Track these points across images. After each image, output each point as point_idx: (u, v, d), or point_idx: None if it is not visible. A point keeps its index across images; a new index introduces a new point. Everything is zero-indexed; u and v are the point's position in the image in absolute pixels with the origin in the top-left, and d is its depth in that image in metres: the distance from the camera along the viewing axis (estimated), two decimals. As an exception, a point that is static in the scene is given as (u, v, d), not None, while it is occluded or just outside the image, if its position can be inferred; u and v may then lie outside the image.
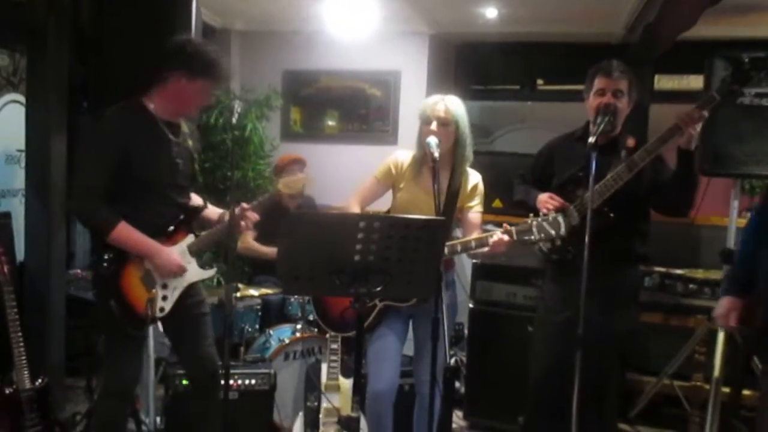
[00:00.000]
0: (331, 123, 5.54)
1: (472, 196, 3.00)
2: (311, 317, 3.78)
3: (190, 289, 2.83)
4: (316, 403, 3.39)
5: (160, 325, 2.74)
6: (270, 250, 4.14)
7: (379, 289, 2.13)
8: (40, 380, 3.00)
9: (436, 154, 2.73)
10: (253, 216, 2.83)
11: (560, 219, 2.69)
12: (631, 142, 2.90)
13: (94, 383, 3.89)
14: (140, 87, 2.81)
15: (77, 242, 4.98)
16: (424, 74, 5.24)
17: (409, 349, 3.13)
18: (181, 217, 2.82)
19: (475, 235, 2.93)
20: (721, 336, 3.18)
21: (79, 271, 4.37)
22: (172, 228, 2.78)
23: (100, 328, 2.86)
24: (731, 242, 3.58)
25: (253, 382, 3.39)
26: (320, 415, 3.34)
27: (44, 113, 3.61)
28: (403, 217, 2.50)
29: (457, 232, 3.17)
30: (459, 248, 2.83)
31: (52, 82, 3.60)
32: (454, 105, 2.91)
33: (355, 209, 3.04)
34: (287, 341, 3.72)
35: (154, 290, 2.71)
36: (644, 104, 4.75)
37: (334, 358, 3.35)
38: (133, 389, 2.97)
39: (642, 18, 4.40)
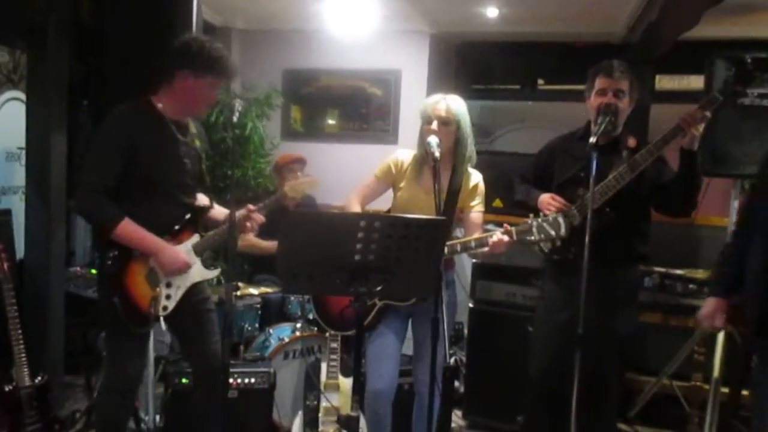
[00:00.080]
0: (331, 122, 5.54)
1: (472, 195, 3.00)
2: (311, 316, 3.78)
3: (195, 288, 2.84)
4: (315, 402, 3.39)
5: (162, 323, 2.73)
6: (270, 245, 4.14)
7: (379, 288, 2.13)
8: (39, 377, 3.00)
9: (437, 154, 2.73)
10: (259, 218, 2.85)
11: (560, 220, 2.68)
12: (632, 142, 2.90)
13: (94, 381, 3.89)
14: (140, 85, 2.82)
15: (77, 240, 4.98)
16: (424, 73, 5.23)
17: (408, 349, 3.13)
18: (188, 216, 2.82)
19: (476, 234, 2.93)
20: (720, 336, 3.18)
21: (78, 268, 4.37)
22: (177, 227, 2.79)
23: (104, 325, 2.86)
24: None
25: (252, 380, 3.39)
26: (319, 414, 3.35)
27: (44, 111, 3.62)
28: (403, 216, 2.50)
29: (458, 232, 3.17)
30: (459, 248, 2.83)
31: (52, 79, 3.60)
32: (455, 104, 2.91)
33: (356, 208, 3.04)
34: (287, 340, 3.72)
35: (158, 288, 2.72)
36: (645, 104, 4.74)
37: (333, 357, 3.35)
38: (136, 387, 2.99)
39: (643, 18, 4.39)
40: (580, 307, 2.51)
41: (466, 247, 2.83)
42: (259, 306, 4.02)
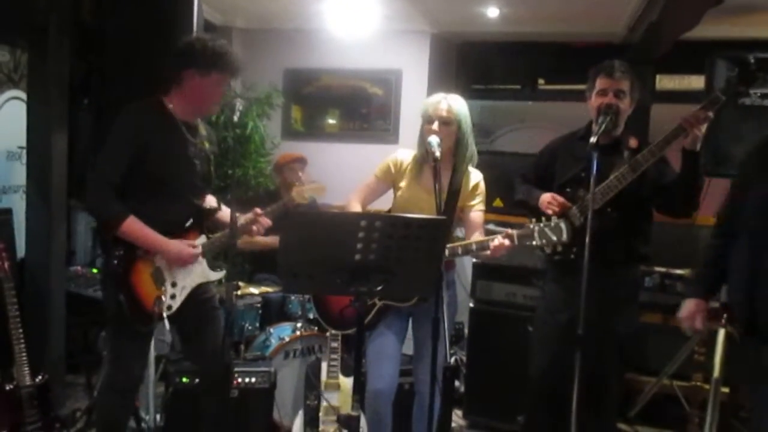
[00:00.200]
0: (331, 121, 5.54)
1: (473, 195, 3.00)
2: (311, 315, 3.78)
3: (199, 288, 2.85)
4: (315, 402, 3.39)
5: (167, 322, 2.74)
6: (269, 239, 4.13)
7: (379, 288, 2.14)
8: (40, 376, 3.00)
9: (437, 153, 2.73)
10: (266, 221, 2.87)
11: (562, 225, 2.66)
12: (633, 142, 2.90)
13: (94, 380, 3.89)
14: (142, 84, 2.83)
15: (78, 239, 4.98)
16: (425, 73, 5.23)
17: (408, 348, 3.14)
18: (195, 217, 2.83)
19: (477, 234, 2.93)
20: (720, 336, 3.18)
21: (79, 267, 4.37)
22: (185, 227, 2.80)
23: (107, 324, 2.87)
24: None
25: (253, 380, 3.40)
26: (320, 414, 3.35)
27: (45, 110, 3.62)
28: (404, 216, 2.50)
29: (458, 232, 3.17)
30: (460, 251, 2.83)
31: (53, 78, 3.60)
32: (456, 104, 2.91)
33: (356, 208, 3.04)
34: (287, 339, 3.72)
35: (163, 287, 2.73)
36: (645, 104, 4.74)
37: (334, 356, 3.35)
38: (138, 386, 3.00)
39: (644, 18, 4.39)
40: (581, 306, 2.51)
41: (467, 250, 2.83)
42: (259, 305, 4.03)
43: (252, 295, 4.02)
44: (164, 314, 2.72)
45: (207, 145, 2.89)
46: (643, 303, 3.29)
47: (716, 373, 3.13)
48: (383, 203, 3.15)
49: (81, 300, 3.92)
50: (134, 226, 2.64)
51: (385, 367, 2.97)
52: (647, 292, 3.81)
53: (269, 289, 4.10)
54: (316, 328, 3.79)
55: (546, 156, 3.17)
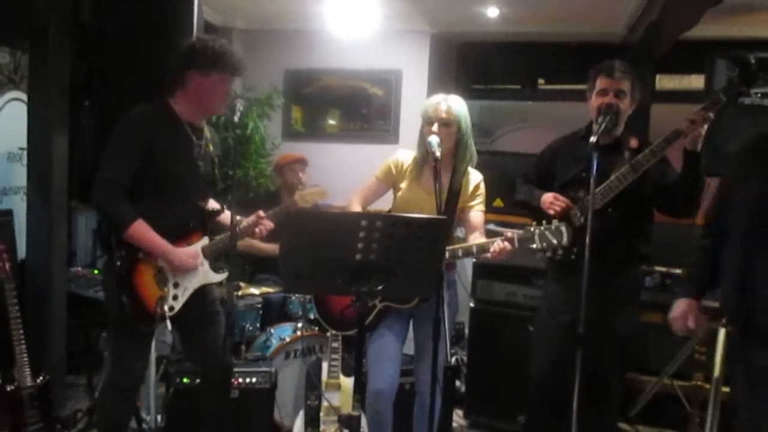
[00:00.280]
0: (332, 122, 5.54)
1: (473, 196, 3.00)
2: (312, 316, 3.78)
3: (202, 289, 2.86)
4: (316, 402, 3.39)
5: (169, 323, 2.75)
6: (269, 247, 4.14)
7: (380, 287, 2.14)
8: (41, 377, 3.00)
9: (438, 154, 2.73)
10: (268, 224, 2.88)
11: (563, 228, 2.65)
12: (633, 142, 2.90)
13: (95, 381, 3.89)
14: (142, 84, 2.83)
15: (78, 240, 4.98)
16: (425, 73, 5.23)
17: (409, 348, 3.14)
18: (198, 218, 2.84)
19: (477, 234, 2.93)
20: (721, 335, 3.18)
21: (80, 268, 4.37)
22: (188, 228, 2.81)
23: (108, 324, 2.87)
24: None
25: (253, 380, 3.40)
26: (320, 414, 3.35)
27: (46, 111, 3.62)
28: (404, 216, 2.50)
29: (459, 232, 3.18)
30: (460, 253, 2.82)
31: (53, 80, 3.60)
32: (456, 105, 2.91)
33: (357, 209, 3.04)
34: (288, 340, 3.72)
35: (165, 288, 2.73)
36: (645, 104, 4.74)
37: (334, 356, 3.36)
38: (139, 386, 3.00)
39: (643, 18, 4.40)
40: (581, 306, 2.51)
41: (467, 253, 2.83)
42: (260, 306, 4.03)
43: (253, 295, 4.03)
44: (167, 315, 2.73)
45: (211, 147, 2.90)
46: (643, 302, 3.29)
47: (717, 372, 3.13)
48: (383, 204, 3.15)
49: (82, 301, 3.92)
50: (140, 230, 2.65)
51: (385, 367, 2.98)
52: (648, 292, 3.80)
53: (270, 290, 4.10)
54: (316, 328, 3.79)
55: (547, 156, 3.17)
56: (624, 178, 2.76)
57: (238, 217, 2.86)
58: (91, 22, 3.57)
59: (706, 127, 2.68)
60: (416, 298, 2.89)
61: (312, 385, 3.45)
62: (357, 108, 5.42)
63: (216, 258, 2.92)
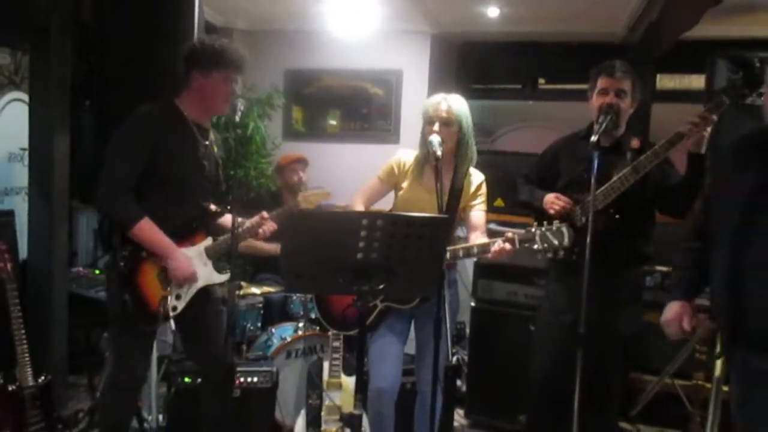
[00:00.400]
0: (332, 122, 5.55)
1: (475, 195, 3.00)
2: (313, 315, 3.79)
3: (205, 289, 2.86)
4: (318, 401, 3.40)
5: (172, 323, 2.75)
6: (271, 247, 4.15)
7: (381, 286, 2.14)
8: (42, 377, 3.00)
9: (439, 153, 2.74)
10: (271, 225, 2.88)
11: (564, 229, 2.65)
12: (635, 143, 2.90)
13: (97, 381, 3.89)
14: (143, 85, 2.84)
15: (79, 240, 4.99)
16: (425, 73, 5.24)
17: (410, 348, 3.14)
18: (202, 218, 2.85)
19: (479, 234, 2.93)
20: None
21: (81, 268, 4.37)
22: (191, 229, 2.81)
23: (110, 324, 2.87)
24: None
25: (255, 379, 3.40)
26: (322, 413, 3.35)
27: (47, 111, 3.62)
28: (405, 214, 2.50)
29: (460, 232, 3.18)
30: (461, 253, 2.82)
31: (54, 80, 3.60)
32: (457, 104, 2.91)
33: (359, 209, 3.04)
34: (289, 339, 3.72)
35: (168, 288, 2.73)
36: (646, 104, 4.75)
37: (336, 355, 3.36)
38: (140, 386, 3.00)
39: (644, 18, 4.40)
40: (582, 306, 2.51)
41: (468, 253, 2.83)
42: (261, 305, 4.03)
43: (254, 295, 4.02)
44: (170, 314, 2.73)
45: (215, 149, 2.91)
46: (644, 302, 3.30)
47: (718, 371, 3.13)
48: (384, 203, 3.15)
49: (83, 301, 3.93)
50: (146, 228, 2.65)
51: (387, 366, 2.98)
52: (649, 292, 3.80)
53: (271, 289, 4.10)
54: (317, 327, 3.79)
55: (549, 156, 3.18)
56: (626, 179, 2.76)
57: (240, 219, 2.86)
58: (91, 23, 3.57)
59: (709, 129, 2.67)
60: (417, 297, 2.89)
61: (313, 385, 3.45)
62: (357, 108, 5.42)
63: (217, 258, 2.93)
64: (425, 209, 2.85)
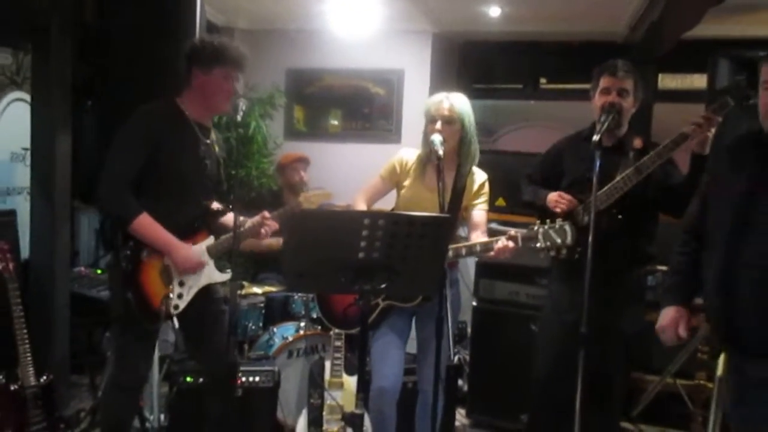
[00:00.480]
0: (334, 121, 5.55)
1: (477, 194, 3.01)
2: (315, 315, 3.79)
3: (207, 288, 2.86)
4: (319, 401, 3.40)
5: (176, 321, 2.76)
6: (271, 241, 4.13)
7: (383, 286, 2.14)
8: (44, 377, 3.01)
9: (440, 152, 2.74)
10: (273, 225, 2.88)
11: (567, 228, 2.64)
12: (638, 142, 2.89)
13: (98, 380, 3.90)
14: (145, 84, 2.84)
15: (81, 240, 5.00)
16: (427, 73, 5.24)
17: (411, 347, 3.14)
18: (204, 217, 2.86)
19: (480, 233, 2.93)
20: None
21: (83, 268, 4.38)
22: (193, 227, 2.82)
23: (113, 323, 2.88)
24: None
25: (257, 379, 3.40)
26: (324, 413, 3.35)
27: (49, 111, 3.62)
28: (407, 213, 2.50)
29: (461, 231, 3.18)
30: (464, 252, 2.83)
31: (56, 80, 3.61)
32: (458, 103, 2.91)
33: (362, 208, 3.05)
34: (291, 339, 3.72)
35: (170, 286, 2.74)
36: (647, 103, 4.74)
37: (337, 355, 3.36)
38: (141, 385, 3.01)
39: (645, 17, 4.40)
40: (584, 305, 2.51)
41: (471, 251, 2.83)
42: (263, 305, 4.03)
43: (255, 294, 4.02)
44: (172, 313, 2.73)
45: (217, 148, 2.92)
46: (647, 302, 3.30)
47: (719, 371, 3.13)
48: (386, 202, 3.15)
49: (85, 300, 3.93)
50: (145, 224, 2.65)
51: (389, 365, 2.98)
52: (650, 291, 3.80)
53: (273, 289, 4.10)
54: (319, 327, 3.79)
55: (552, 156, 3.17)
56: (629, 179, 2.75)
57: (241, 218, 2.87)
58: (93, 23, 3.58)
59: (713, 130, 2.66)
60: (419, 296, 2.90)
61: (315, 384, 3.45)
62: (359, 107, 5.42)
63: (219, 257, 2.93)
64: (427, 208, 2.85)
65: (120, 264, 2.70)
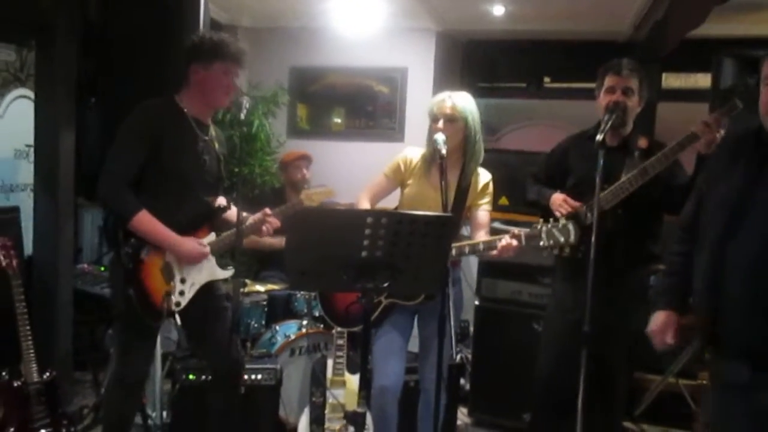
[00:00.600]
0: (337, 120, 5.55)
1: (482, 194, 3.00)
2: (317, 313, 3.79)
3: (209, 285, 2.87)
4: (321, 399, 3.40)
5: (178, 318, 2.76)
6: (274, 240, 4.14)
7: (386, 284, 2.14)
8: (47, 373, 3.01)
9: (443, 151, 2.73)
10: (275, 222, 2.88)
11: (570, 226, 2.64)
12: (643, 142, 2.89)
13: (101, 377, 3.91)
14: (148, 82, 2.85)
15: (84, 237, 5.01)
16: (430, 71, 5.23)
17: (414, 346, 3.14)
18: (205, 214, 2.86)
19: (483, 233, 2.93)
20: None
21: (86, 265, 4.38)
22: (194, 224, 2.82)
23: (115, 320, 2.89)
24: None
25: (259, 377, 3.40)
26: (326, 411, 3.36)
27: (53, 108, 3.63)
28: (410, 212, 2.50)
29: (464, 231, 3.18)
30: (467, 250, 2.83)
31: (60, 77, 3.61)
32: (461, 101, 2.91)
33: (365, 206, 3.05)
34: (293, 337, 3.73)
35: (172, 283, 2.74)
36: (652, 102, 4.74)
37: (340, 353, 3.36)
38: (145, 382, 3.02)
39: (649, 16, 4.39)
40: (587, 304, 2.51)
41: (474, 250, 2.83)
42: (265, 303, 4.03)
43: (258, 292, 4.03)
44: (174, 310, 2.74)
45: (216, 145, 2.92)
46: (650, 301, 3.30)
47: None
48: (390, 201, 3.15)
49: (88, 297, 3.94)
50: (145, 220, 2.66)
51: (391, 364, 2.98)
52: (652, 291, 3.79)
53: (275, 287, 4.11)
54: (321, 325, 3.79)
55: (557, 155, 3.17)
56: (635, 180, 2.75)
57: (244, 214, 2.87)
58: (97, 20, 3.58)
59: (722, 132, 2.65)
60: (421, 295, 2.90)
61: (317, 382, 3.45)
62: (362, 106, 5.42)
63: (221, 255, 2.93)
64: (431, 207, 2.85)
65: (121, 261, 2.71)
